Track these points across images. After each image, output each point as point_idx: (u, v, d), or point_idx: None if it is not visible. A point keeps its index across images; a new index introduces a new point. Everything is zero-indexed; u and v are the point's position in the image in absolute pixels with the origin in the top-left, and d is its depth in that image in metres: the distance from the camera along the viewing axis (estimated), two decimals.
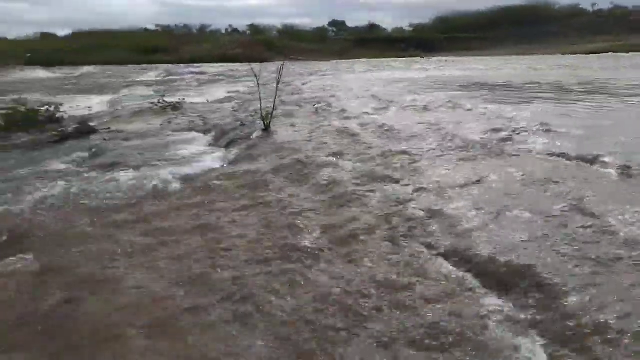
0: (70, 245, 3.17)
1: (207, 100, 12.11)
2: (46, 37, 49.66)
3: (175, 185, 4.58)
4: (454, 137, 5.78)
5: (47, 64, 34.96)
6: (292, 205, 3.70)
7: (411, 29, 65.34)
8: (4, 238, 3.43)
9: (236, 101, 11.73)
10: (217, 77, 22.88)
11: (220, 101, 12.33)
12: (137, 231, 3.38)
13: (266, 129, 6.72)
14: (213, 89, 16.21)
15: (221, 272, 2.62)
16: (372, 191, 3.86)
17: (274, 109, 7.11)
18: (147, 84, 19.80)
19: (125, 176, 4.91)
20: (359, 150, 5.40)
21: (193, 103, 11.33)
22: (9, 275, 2.67)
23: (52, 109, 9.89)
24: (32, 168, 5.72)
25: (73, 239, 3.30)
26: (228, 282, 2.50)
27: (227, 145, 6.53)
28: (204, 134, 7.43)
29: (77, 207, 4.07)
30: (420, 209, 3.39)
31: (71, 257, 2.92)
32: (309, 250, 2.81)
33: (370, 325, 2.10)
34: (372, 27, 66.27)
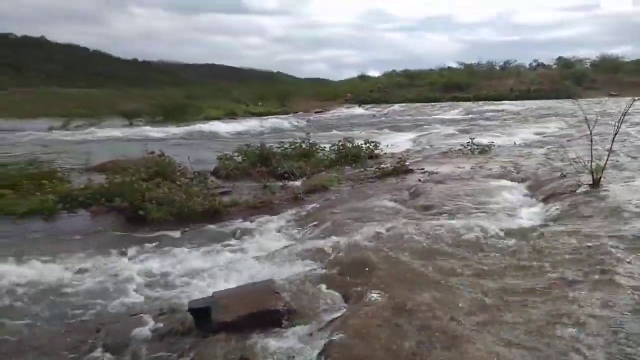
0: (412, 286, 3.48)
1: (515, 143, 11.71)
2: (363, 78, 57.24)
3: (498, 240, 4.51)
4: None
5: (362, 101, 40.37)
6: None
7: None
8: (353, 267, 4.05)
9: (548, 146, 10.95)
10: (519, 116, 21.94)
11: (529, 144, 11.74)
12: (473, 284, 3.46)
13: (595, 184, 5.98)
14: (518, 129, 15.61)
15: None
16: None
17: (607, 160, 6.28)
18: (449, 122, 20.58)
19: (446, 222, 5.14)
20: None
21: (500, 145, 11.13)
22: (370, 308, 3.09)
23: (371, 146, 11.37)
24: (363, 202, 6.62)
25: (413, 281, 3.62)
26: None
27: (546, 199, 6.10)
28: (518, 182, 7.17)
29: (408, 246, 4.46)
30: None
31: (417, 300, 3.18)
32: None
33: None
34: None
